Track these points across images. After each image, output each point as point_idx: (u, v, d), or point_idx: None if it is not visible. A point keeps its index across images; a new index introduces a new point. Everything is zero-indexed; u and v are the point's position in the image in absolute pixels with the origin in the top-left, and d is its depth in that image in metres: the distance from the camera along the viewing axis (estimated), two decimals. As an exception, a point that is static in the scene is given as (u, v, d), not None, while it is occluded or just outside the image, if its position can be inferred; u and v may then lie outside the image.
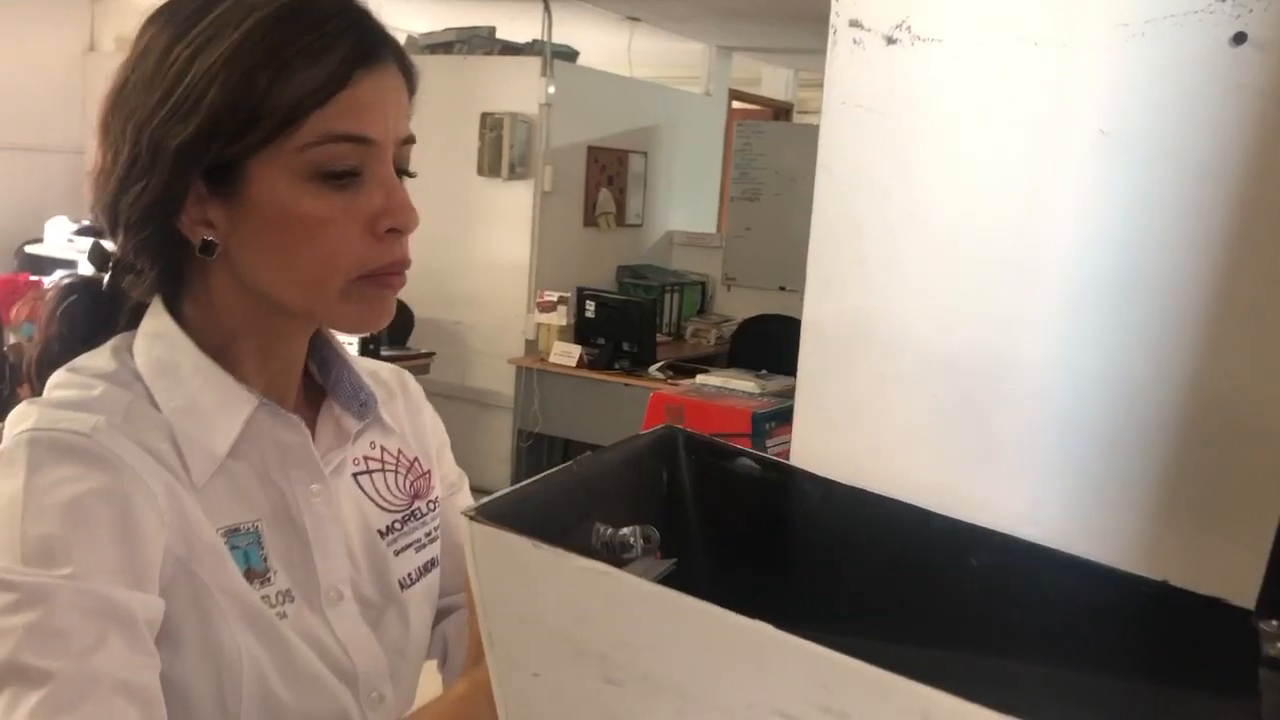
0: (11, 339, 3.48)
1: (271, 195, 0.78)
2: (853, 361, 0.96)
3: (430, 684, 0.97)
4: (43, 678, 0.67)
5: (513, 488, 0.69)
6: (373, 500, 0.92)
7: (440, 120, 6.10)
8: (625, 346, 5.32)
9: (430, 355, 5.57)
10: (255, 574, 0.82)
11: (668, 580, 0.70)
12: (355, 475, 0.91)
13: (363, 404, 0.92)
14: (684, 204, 7.16)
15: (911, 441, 0.93)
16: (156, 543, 0.75)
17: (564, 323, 5.54)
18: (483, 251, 5.98)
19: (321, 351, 0.93)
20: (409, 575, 0.93)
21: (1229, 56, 0.80)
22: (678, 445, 0.83)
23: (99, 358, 0.83)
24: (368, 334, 0.90)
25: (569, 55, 6.38)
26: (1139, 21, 0.84)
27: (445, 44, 6.37)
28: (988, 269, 0.90)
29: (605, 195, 6.40)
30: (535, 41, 6.18)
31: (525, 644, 0.65)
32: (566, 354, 5.41)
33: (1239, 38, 0.79)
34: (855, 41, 0.93)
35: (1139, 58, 0.84)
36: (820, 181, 0.96)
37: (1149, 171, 0.84)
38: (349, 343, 4.92)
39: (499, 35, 6.36)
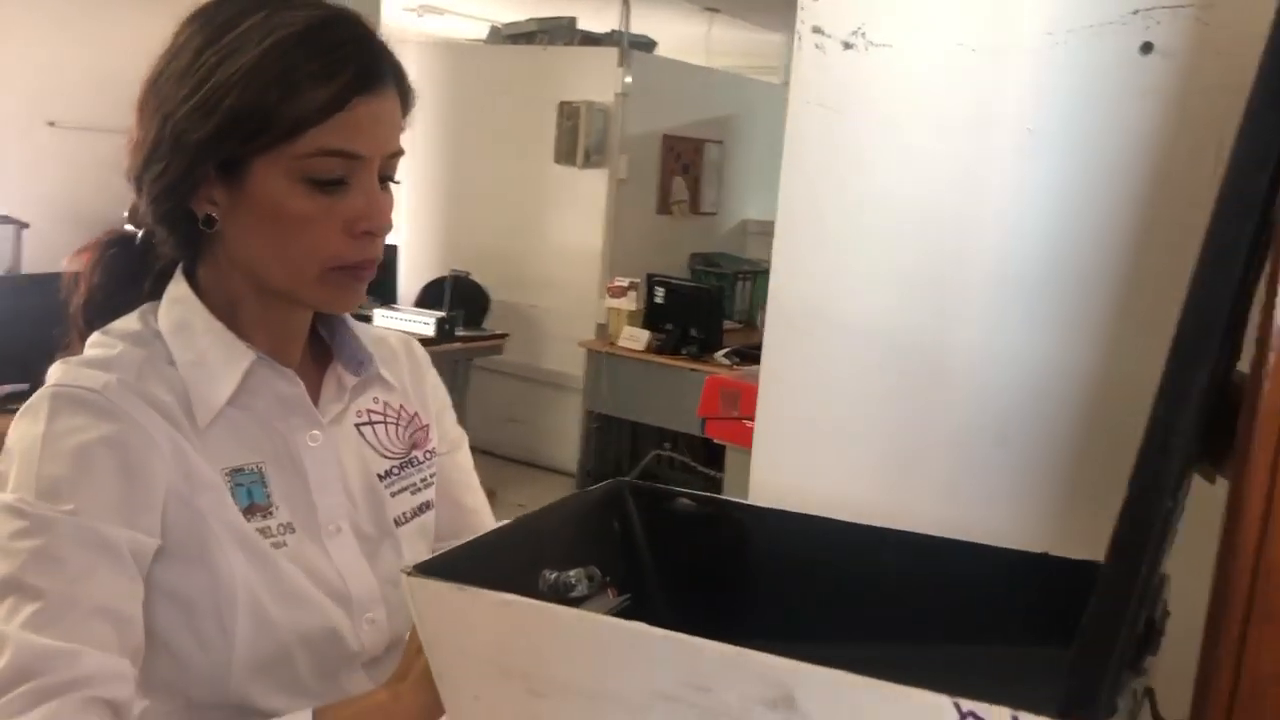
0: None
1: (268, 191, 0.90)
2: (810, 337, 1.06)
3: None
4: (37, 594, 0.81)
5: (461, 544, 0.84)
6: (373, 447, 1.05)
7: (519, 109, 6.27)
8: (693, 332, 5.41)
9: (503, 337, 5.73)
10: (258, 508, 0.95)
11: (624, 613, 0.82)
12: (358, 425, 1.04)
13: (360, 363, 1.05)
14: (760, 193, 7.21)
15: (857, 409, 1.03)
16: (155, 484, 0.89)
17: (634, 308, 5.65)
18: (558, 237, 6.12)
19: (328, 319, 1.06)
20: (404, 514, 1.06)
21: (1138, 64, 0.88)
22: (625, 495, 0.97)
23: (129, 321, 0.97)
24: (334, 313, 1.03)
25: (647, 45, 6.49)
26: (1062, 31, 0.92)
27: (527, 34, 6.53)
28: (928, 255, 1.00)
29: (680, 183, 6.49)
30: (613, 32, 6.30)
31: (464, 673, 0.76)
32: (634, 338, 5.53)
33: (1146, 47, 0.87)
34: (817, 46, 1.03)
35: (1061, 64, 0.93)
36: (785, 173, 1.06)
37: (1068, 168, 0.93)
38: (425, 321, 5.11)
39: (580, 26, 6.49)
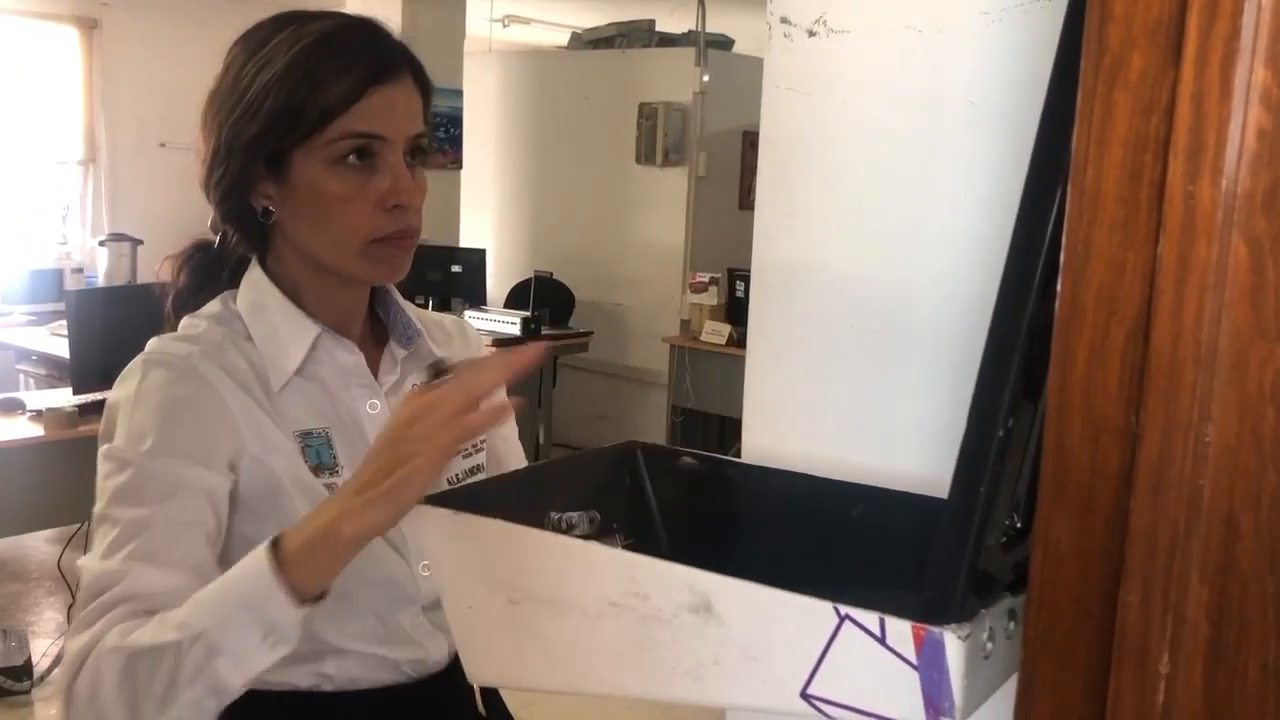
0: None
1: (308, 178, 1.05)
2: (788, 300, 1.15)
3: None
4: (117, 521, 0.97)
5: (473, 482, 0.93)
6: None
7: (600, 112, 6.42)
8: (774, 325, 5.48)
9: (588, 335, 5.89)
10: (324, 468, 1.10)
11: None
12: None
13: (409, 337, 1.20)
14: (842, 186, 7.21)
15: (831, 365, 1.12)
16: (223, 440, 1.04)
17: (715, 302, 5.75)
18: (639, 236, 6.25)
19: (384, 301, 1.21)
20: (456, 476, 1.18)
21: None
22: (637, 454, 1.07)
23: (212, 305, 1.14)
24: (385, 284, 1.17)
25: (724, 44, 6.58)
26: (997, 10, 1.00)
27: (606, 38, 6.69)
28: (889, 222, 1.08)
29: (760, 179, 6.56)
30: (690, 32, 6.41)
31: (460, 586, 0.87)
32: (717, 333, 5.63)
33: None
34: (785, 35, 1.13)
35: (998, 40, 1.01)
36: (762, 151, 1.16)
37: (1008, 135, 1.01)
38: (511, 321, 5.26)
39: (658, 28, 6.62)
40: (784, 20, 1.13)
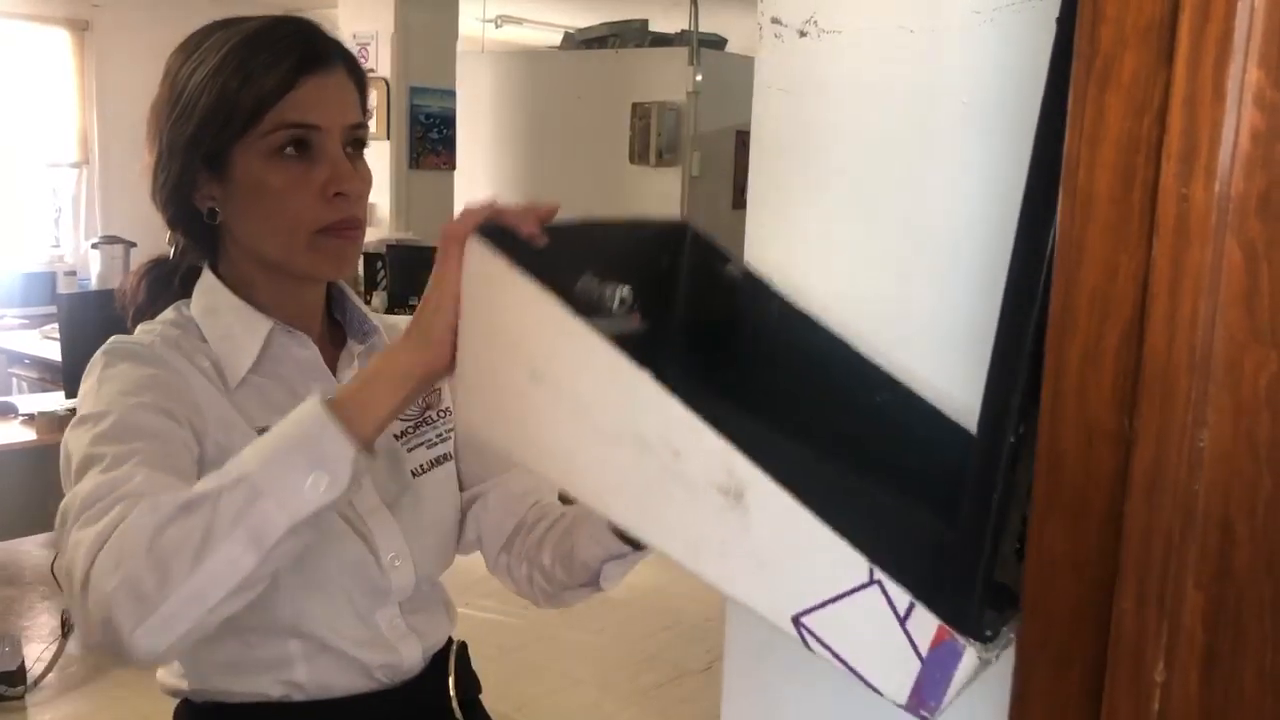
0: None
1: (247, 172, 1.06)
2: (781, 303, 1.15)
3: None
4: (106, 454, 0.93)
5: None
6: None
7: (594, 112, 6.42)
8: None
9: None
10: None
11: (636, 338, 0.82)
12: None
13: (364, 333, 1.20)
14: (836, 185, 7.22)
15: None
16: (190, 413, 1.03)
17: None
18: (634, 235, 6.24)
19: (340, 302, 1.21)
20: (421, 466, 1.19)
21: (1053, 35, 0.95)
22: (685, 238, 0.98)
23: (166, 313, 1.14)
24: (333, 278, 1.16)
25: (718, 43, 6.58)
26: (989, 9, 1.00)
27: (600, 38, 6.68)
28: (884, 224, 1.08)
29: (754, 178, 6.56)
30: (683, 32, 6.40)
31: (483, 335, 0.81)
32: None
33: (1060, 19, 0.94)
34: (776, 35, 1.12)
35: (990, 39, 1.00)
36: (753, 153, 1.15)
37: (1000, 134, 1.00)
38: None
39: (651, 28, 6.61)
40: (775, 20, 1.12)
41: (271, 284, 1.12)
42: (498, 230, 0.81)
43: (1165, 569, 0.54)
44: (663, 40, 6.50)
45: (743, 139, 6.36)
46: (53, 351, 4.35)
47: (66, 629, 3.71)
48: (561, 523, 1.19)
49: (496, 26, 7.83)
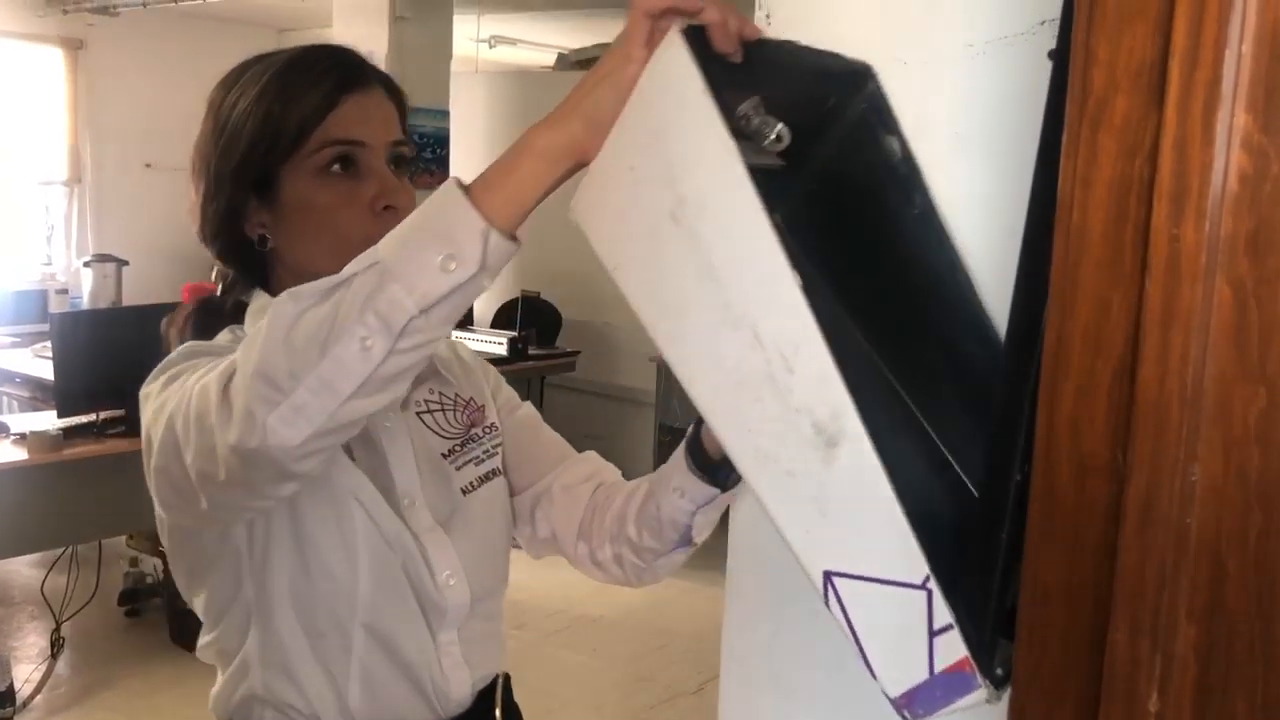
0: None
1: (296, 194, 1.07)
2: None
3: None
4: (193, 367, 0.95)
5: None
6: (433, 431, 1.18)
7: (587, 132, 6.43)
8: (760, 344, 5.50)
9: (576, 354, 5.89)
10: None
11: (769, 172, 0.79)
12: (418, 414, 1.17)
13: None
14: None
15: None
16: None
17: (702, 322, 5.76)
18: (627, 255, 6.25)
19: None
20: (470, 484, 1.18)
21: (1047, 69, 0.97)
22: (864, 86, 0.90)
23: (221, 335, 1.12)
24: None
25: (710, 65, 6.61)
26: (981, 42, 1.01)
27: (593, 59, 6.71)
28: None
29: (746, 199, 6.58)
30: (677, 53, 6.42)
31: (641, 142, 0.75)
32: (704, 352, 5.63)
33: (1052, 54, 0.96)
34: (772, 66, 1.14)
35: (982, 72, 1.02)
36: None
37: (992, 165, 1.02)
38: (498, 341, 5.27)
39: (644, 48, 6.64)
40: (771, 52, 1.14)
41: None
42: (699, 35, 0.74)
43: (1158, 601, 0.55)
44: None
45: (735, 160, 6.38)
46: (44, 370, 4.34)
47: (55, 649, 3.69)
48: (639, 492, 1.18)
49: (490, 47, 7.86)
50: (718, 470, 1.07)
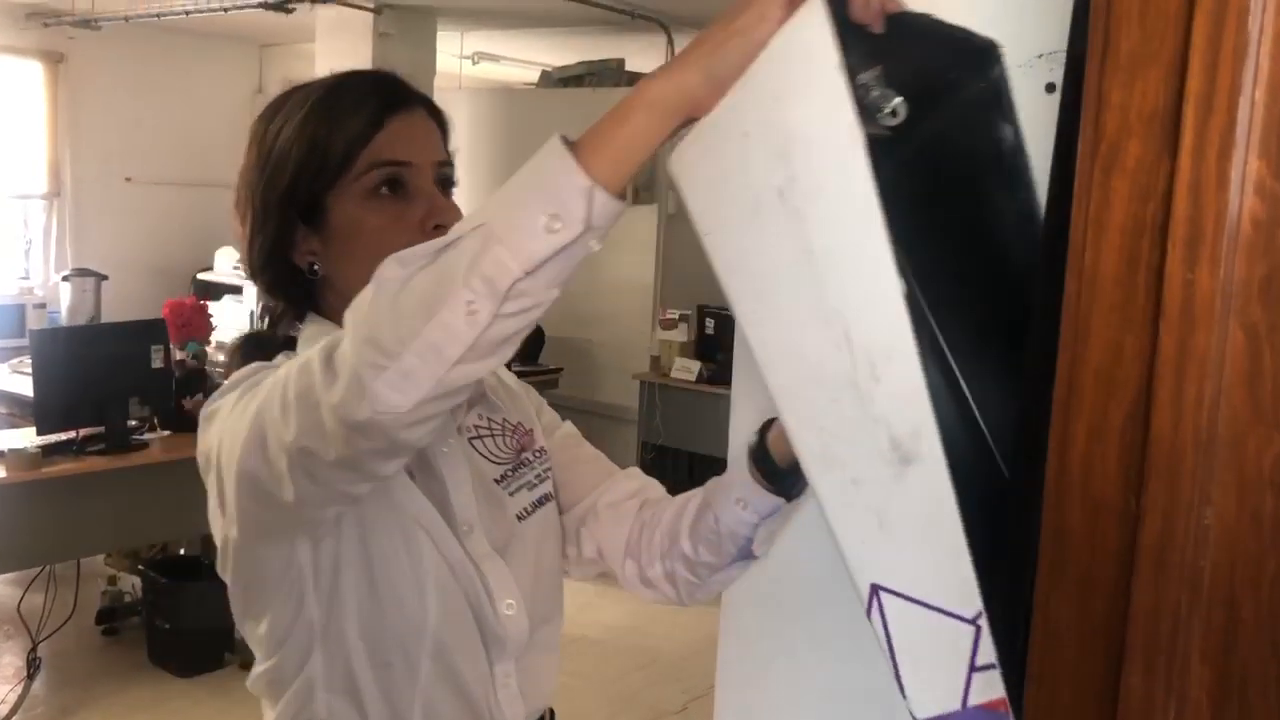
0: (177, 355, 3.94)
1: (345, 217, 1.06)
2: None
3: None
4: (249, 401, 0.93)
5: None
6: (485, 457, 1.15)
7: (571, 149, 6.44)
8: (744, 362, 5.51)
9: (558, 371, 5.88)
10: None
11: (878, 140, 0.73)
12: (470, 440, 1.15)
13: None
14: (810, 223, 7.27)
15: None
16: None
17: (685, 339, 5.77)
18: (610, 272, 6.26)
19: None
20: (525, 509, 1.15)
21: (1045, 101, 0.97)
22: (988, 65, 0.84)
23: (277, 360, 1.05)
24: None
25: (693, 83, 6.63)
26: (982, 74, 1.02)
27: (576, 77, 6.72)
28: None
29: (729, 216, 6.60)
30: (660, 71, 6.45)
31: (760, 108, 0.70)
32: (686, 369, 5.64)
33: (1050, 87, 0.97)
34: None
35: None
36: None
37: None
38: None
39: (628, 67, 6.66)
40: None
41: None
42: (840, 3, 0.70)
43: (1173, 644, 0.55)
44: (639, 79, 6.55)
45: (718, 178, 6.40)
46: (21, 386, 4.30)
47: (32, 669, 3.64)
48: (691, 505, 1.15)
49: (474, 64, 7.87)
50: (784, 479, 1.04)
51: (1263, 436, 0.54)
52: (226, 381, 1.03)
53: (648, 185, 6.12)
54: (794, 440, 0.72)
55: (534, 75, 7.40)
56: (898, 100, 0.73)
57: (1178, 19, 0.55)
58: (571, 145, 0.75)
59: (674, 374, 5.65)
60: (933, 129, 0.81)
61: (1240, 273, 0.54)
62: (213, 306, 4.86)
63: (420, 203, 1.06)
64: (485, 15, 6.43)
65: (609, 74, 6.61)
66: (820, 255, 0.69)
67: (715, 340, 5.63)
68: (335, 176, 1.05)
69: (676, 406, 5.66)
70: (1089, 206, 0.58)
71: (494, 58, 7.86)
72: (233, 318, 6.08)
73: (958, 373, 0.86)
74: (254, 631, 1.09)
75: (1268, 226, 0.53)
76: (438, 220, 1.06)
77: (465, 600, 1.06)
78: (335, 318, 1.08)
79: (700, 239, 0.75)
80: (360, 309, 0.80)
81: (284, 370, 0.89)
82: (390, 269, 0.79)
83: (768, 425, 1.08)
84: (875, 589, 0.68)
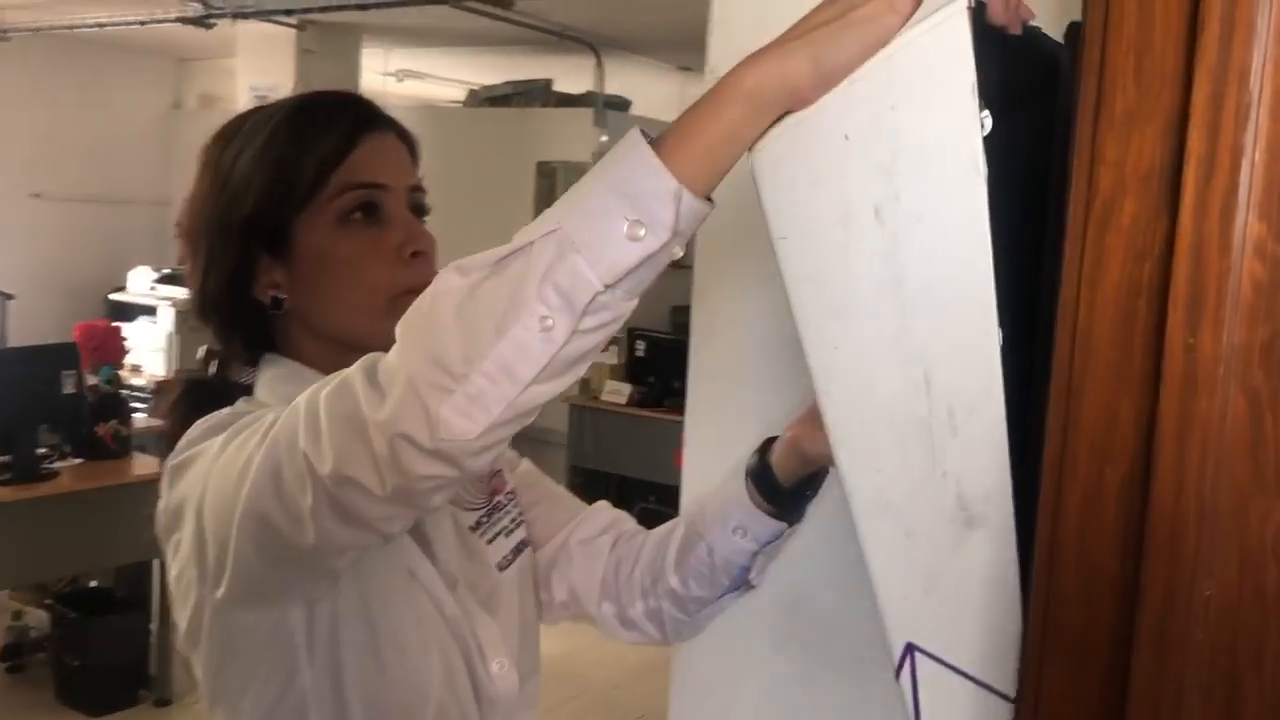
0: (90, 380, 3.79)
1: (315, 245, 0.97)
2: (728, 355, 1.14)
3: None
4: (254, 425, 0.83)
5: None
6: (457, 503, 1.06)
7: (499, 170, 6.40)
8: (675, 384, 5.49)
9: (486, 394, 5.80)
10: None
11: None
12: None
13: None
14: (737, 245, 7.32)
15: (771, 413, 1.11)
16: None
17: (615, 361, 5.74)
18: (538, 294, 6.23)
19: None
20: (505, 558, 1.07)
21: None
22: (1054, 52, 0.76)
23: (237, 406, 0.96)
24: None
25: (621, 105, 6.64)
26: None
27: (504, 96, 6.69)
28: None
29: (658, 238, 6.61)
30: (589, 93, 6.44)
31: (870, 111, 0.63)
32: (617, 392, 5.61)
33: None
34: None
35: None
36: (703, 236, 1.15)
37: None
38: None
39: (556, 88, 6.64)
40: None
41: (349, 364, 0.86)
42: (980, 12, 0.63)
43: (1174, 721, 0.53)
44: (567, 100, 6.53)
45: (647, 200, 6.41)
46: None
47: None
48: (673, 538, 1.08)
49: (398, 80, 7.78)
50: (789, 501, 1.00)
51: (1265, 506, 0.52)
52: (189, 435, 0.92)
53: (576, 207, 6.10)
54: (843, 476, 0.67)
55: (461, 94, 7.34)
56: (984, 114, 0.64)
57: (1174, 77, 0.53)
58: (654, 141, 0.67)
59: (604, 397, 5.62)
60: (1004, 136, 0.71)
61: (1241, 337, 0.52)
62: (126, 328, 4.71)
63: (396, 229, 0.98)
64: (411, 33, 6.36)
65: (537, 94, 6.59)
66: (912, 286, 0.63)
67: (646, 363, 5.61)
68: (304, 201, 0.96)
69: (606, 430, 5.62)
70: (1082, 264, 0.57)
71: (419, 75, 7.78)
72: (147, 339, 5.91)
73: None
74: (237, 708, 0.96)
75: (1269, 290, 0.52)
76: (416, 247, 0.98)
77: (462, 661, 0.98)
78: (303, 356, 1.01)
79: (772, 241, 0.67)
80: (416, 322, 0.71)
81: (305, 400, 0.78)
82: (450, 278, 0.69)
83: (767, 445, 1.03)
84: (911, 648, 0.65)
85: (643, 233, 0.65)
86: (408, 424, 0.69)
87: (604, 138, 6.12)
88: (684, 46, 6.16)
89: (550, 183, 6.10)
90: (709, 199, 0.67)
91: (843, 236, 0.64)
